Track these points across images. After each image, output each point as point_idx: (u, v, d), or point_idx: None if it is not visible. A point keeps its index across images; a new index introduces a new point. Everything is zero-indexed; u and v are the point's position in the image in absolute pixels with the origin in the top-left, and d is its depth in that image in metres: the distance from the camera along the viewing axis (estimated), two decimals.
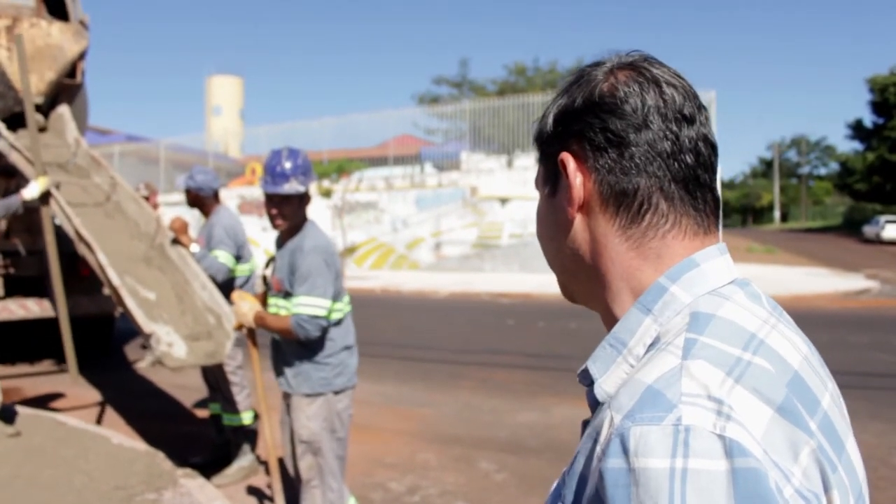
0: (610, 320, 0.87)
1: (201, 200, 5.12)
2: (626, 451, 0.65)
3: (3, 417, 5.55)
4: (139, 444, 5.26)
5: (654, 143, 0.82)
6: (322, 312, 3.38)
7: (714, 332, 0.74)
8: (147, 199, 7.97)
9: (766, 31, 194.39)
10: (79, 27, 7.14)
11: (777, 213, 69.93)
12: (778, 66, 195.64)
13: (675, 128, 0.83)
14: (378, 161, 26.39)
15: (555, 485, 0.86)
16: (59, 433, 5.46)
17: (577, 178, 0.86)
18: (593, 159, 0.85)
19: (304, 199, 3.53)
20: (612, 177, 0.83)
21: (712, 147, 0.86)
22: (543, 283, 17.01)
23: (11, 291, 7.64)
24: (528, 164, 21.99)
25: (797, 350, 0.78)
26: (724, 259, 0.84)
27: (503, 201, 21.16)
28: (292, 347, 3.50)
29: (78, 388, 7.17)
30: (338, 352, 3.54)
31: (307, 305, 3.36)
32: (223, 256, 4.94)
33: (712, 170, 0.86)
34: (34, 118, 5.59)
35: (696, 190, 0.84)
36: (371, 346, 9.11)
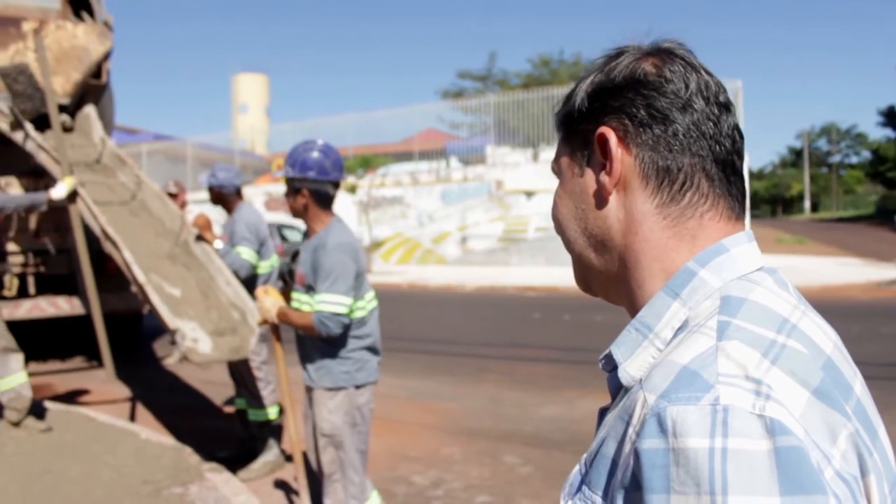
0: (635, 304, 0.86)
1: (224, 197, 5.16)
2: (663, 430, 0.65)
3: (34, 413, 5.64)
4: (166, 440, 5.32)
5: (699, 123, 0.83)
6: (344, 310, 3.39)
7: (747, 315, 0.73)
8: (176, 196, 8.05)
9: (794, 18, 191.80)
10: (103, 28, 7.23)
11: (807, 203, 68.95)
12: (806, 54, 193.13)
13: (716, 111, 0.84)
14: (403, 156, 26.44)
15: (573, 473, 0.84)
16: (88, 429, 5.55)
17: (618, 151, 0.84)
18: (635, 134, 0.84)
19: (299, 190, 3.51)
20: (655, 153, 0.83)
21: (742, 138, 0.88)
22: (570, 276, 16.88)
23: (42, 289, 7.77)
24: (549, 156, 21.94)
25: (828, 337, 0.78)
26: (753, 245, 0.84)
27: (529, 195, 21.11)
28: (314, 342, 3.52)
29: (107, 385, 7.27)
30: (360, 348, 3.55)
31: (329, 303, 3.37)
32: (246, 252, 4.98)
33: (743, 159, 0.87)
34: (58, 119, 5.67)
35: (732, 175, 0.84)
36: (397, 341, 9.15)
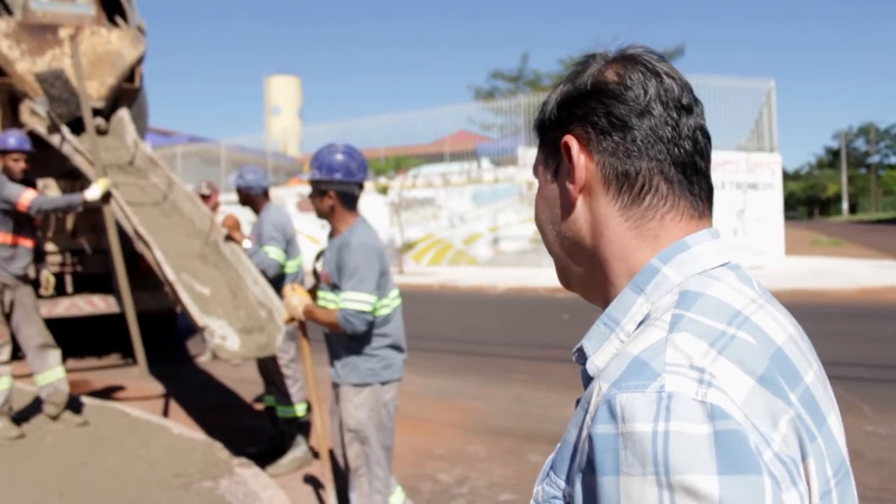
0: (606, 301, 0.90)
1: (251, 199, 5.26)
2: (613, 416, 0.69)
3: (71, 408, 5.80)
4: (198, 435, 5.44)
5: (656, 128, 0.86)
6: (368, 308, 3.45)
7: (701, 309, 0.77)
8: (208, 198, 8.19)
9: (830, 17, 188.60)
10: (136, 33, 7.39)
11: (845, 205, 67.73)
12: (842, 54, 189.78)
13: (675, 115, 0.87)
14: (434, 157, 26.47)
15: (549, 458, 0.89)
16: (123, 423, 5.69)
17: (580, 159, 0.89)
18: (596, 142, 0.88)
19: (325, 192, 3.59)
20: (615, 159, 0.87)
21: (707, 138, 0.91)
22: None
23: (79, 288, 7.96)
24: None
25: (783, 329, 0.82)
26: (716, 243, 0.88)
27: None
28: (341, 340, 3.58)
29: (142, 381, 7.43)
30: (385, 346, 3.61)
31: (354, 301, 3.44)
32: (273, 252, 5.07)
33: (707, 159, 0.90)
34: (92, 122, 5.83)
35: (693, 175, 0.88)
36: (426, 341, 9.21)
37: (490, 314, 13.08)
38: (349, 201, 3.64)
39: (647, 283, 0.84)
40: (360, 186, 3.68)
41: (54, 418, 5.62)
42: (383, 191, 22.09)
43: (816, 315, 11.12)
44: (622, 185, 0.87)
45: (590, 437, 0.71)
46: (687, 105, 0.88)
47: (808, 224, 50.10)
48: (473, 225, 22.96)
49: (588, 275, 0.93)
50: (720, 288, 0.81)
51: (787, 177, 68.43)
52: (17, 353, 5.65)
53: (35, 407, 5.93)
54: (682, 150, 0.87)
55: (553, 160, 0.94)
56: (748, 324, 0.77)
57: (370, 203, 23.62)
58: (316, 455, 5.20)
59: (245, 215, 7.03)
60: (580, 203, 0.90)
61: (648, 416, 0.67)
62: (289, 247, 5.23)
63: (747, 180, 19.20)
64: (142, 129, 8.80)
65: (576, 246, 0.93)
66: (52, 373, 5.63)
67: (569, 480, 0.77)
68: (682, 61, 38.20)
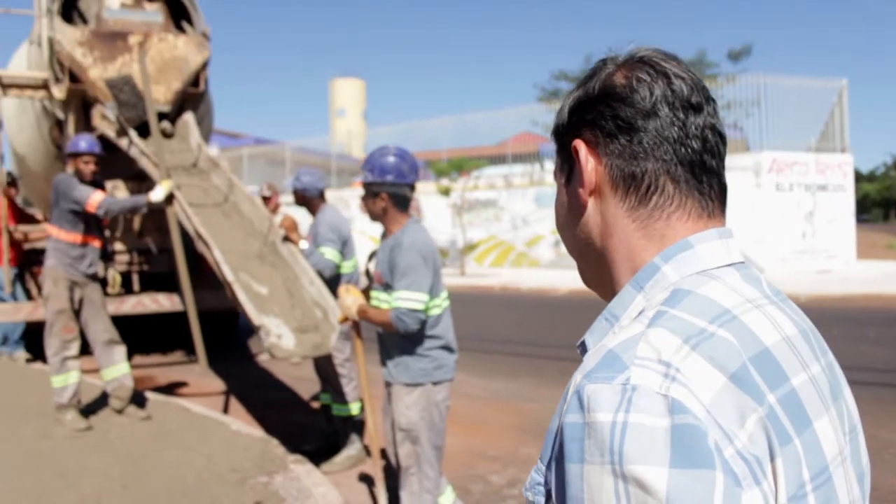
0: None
1: (308, 200, 5.36)
2: (582, 406, 0.72)
3: (136, 402, 6.00)
4: (255, 431, 5.56)
5: (662, 129, 0.87)
6: (420, 306, 3.48)
7: (686, 306, 0.79)
8: (269, 199, 8.36)
9: None
10: (202, 39, 7.59)
11: None
12: None
13: (682, 115, 0.87)
14: (497, 159, 26.42)
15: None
16: (184, 418, 5.85)
17: (588, 162, 0.91)
18: (604, 145, 0.90)
19: (377, 194, 3.63)
20: (622, 161, 0.88)
21: (720, 136, 0.90)
22: None
23: (145, 287, 8.22)
24: None
25: (778, 330, 0.82)
26: (724, 242, 0.88)
27: None
28: (394, 339, 3.63)
29: (204, 378, 7.62)
30: (436, 346, 3.64)
31: (406, 300, 3.47)
32: (329, 253, 5.15)
33: (720, 157, 0.90)
34: (157, 126, 6.01)
35: (703, 174, 0.88)
36: (485, 343, 9.23)
37: (551, 316, 13.01)
38: (401, 203, 3.68)
39: (647, 280, 0.86)
40: (412, 188, 3.71)
41: (119, 412, 5.81)
42: (446, 192, 22.15)
43: (887, 321, 10.75)
44: (629, 186, 0.88)
45: (561, 426, 0.74)
46: (696, 104, 0.88)
47: (884, 227, 48.34)
48: (536, 227, 22.85)
49: (600, 274, 0.95)
50: (714, 287, 0.82)
51: (861, 178, 66.12)
52: (85, 349, 5.85)
53: (102, 401, 6.15)
54: (689, 150, 0.87)
55: (566, 165, 0.96)
56: (734, 323, 0.78)
57: (432, 204, 23.73)
58: (370, 453, 5.26)
59: (304, 216, 7.16)
60: (591, 205, 0.92)
61: (611, 407, 0.69)
62: (344, 248, 5.30)
63: (817, 182, 18.66)
64: (206, 131, 9.03)
65: (588, 247, 0.95)
66: (117, 368, 5.83)
67: (549, 467, 0.79)
68: (749, 61, 37.20)
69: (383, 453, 4.31)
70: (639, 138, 0.87)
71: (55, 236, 5.66)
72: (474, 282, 18.12)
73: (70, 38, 7.07)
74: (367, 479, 4.87)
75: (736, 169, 17.68)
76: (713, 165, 0.89)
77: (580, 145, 0.91)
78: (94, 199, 5.54)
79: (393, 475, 4.03)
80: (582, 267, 1.00)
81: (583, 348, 0.90)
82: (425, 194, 23.69)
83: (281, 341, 4.52)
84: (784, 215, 18.09)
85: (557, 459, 0.75)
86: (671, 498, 0.65)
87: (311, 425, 5.99)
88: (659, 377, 0.70)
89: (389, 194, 3.62)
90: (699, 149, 0.88)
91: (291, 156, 29.74)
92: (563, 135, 0.96)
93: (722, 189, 0.91)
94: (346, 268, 5.32)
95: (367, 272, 3.96)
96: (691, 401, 0.69)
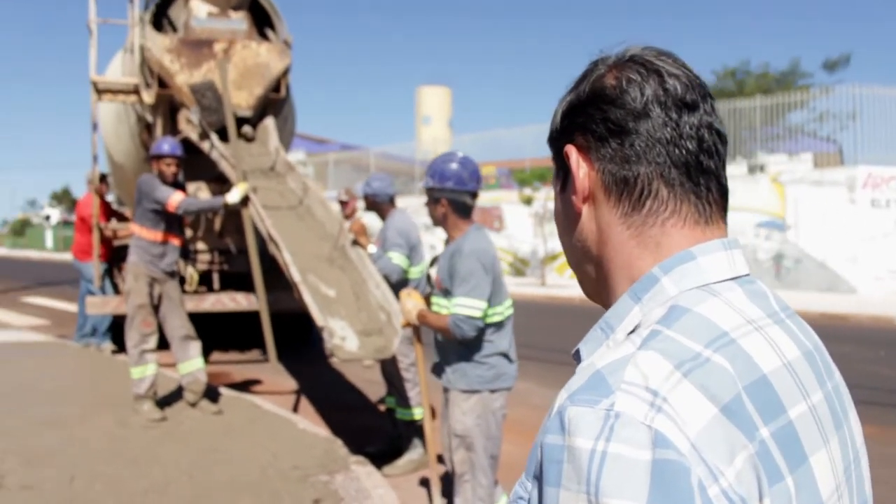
0: None
1: (378, 205, 5.43)
2: (563, 428, 0.68)
3: (209, 397, 6.20)
4: (321, 431, 5.67)
5: (654, 130, 0.83)
6: (478, 314, 3.49)
7: (682, 327, 0.74)
8: (346, 204, 8.52)
9: None
10: (283, 47, 7.81)
11: None
12: None
13: (674, 115, 0.83)
14: None
15: None
16: (253, 415, 6.02)
17: (580, 169, 0.87)
18: (595, 150, 0.86)
19: (438, 199, 3.65)
20: (614, 165, 0.85)
21: (718, 134, 0.86)
22: None
23: (225, 286, 8.48)
24: (735, 172, 20.97)
25: (779, 355, 0.78)
26: (728, 254, 0.84)
27: None
28: (452, 345, 3.65)
29: (278, 377, 7.82)
30: (495, 353, 3.63)
31: (464, 306, 3.49)
32: (397, 257, 5.21)
33: (718, 157, 0.86)
34: (235, 130, 6.22)
35: (699, 176, 0.84)
36: (556, 353, 9.15)
37: None
38: (461, 209, 3.69)
39: (645, 292, 0.82)
40: (473, 195, 3.72)
41: (193, 405, 6.02)
42: (528, 202, 22.05)
43: None
44: (622, 191, 0.85)
45: (541, 445, 0.71)
46: (691, 102, 0.84)
47: None
48: None
49: (598, 284, 0.91)
50: (713, 305, 0.78)
51: None
52: (163, 343, 6.08)
53: (177, 394, 6.38)
54: (683, 151, 0.83)
55: (561, 171, 0.93)
56: (731, 347, 0.74)
57: (515, 213, 23.68)
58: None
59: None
60: (585, 212, 0.89)
61: (592, 434, 0.66)
62: (412, 253, 5.35)
63: None
64: (288, 136, 9.27)
65: (586, 256, 0.91)
66: (192, 363, 6.04)
67: (532, 484, 0.77)
68: (846, 72, 35.83)
69: (441, 459, 4.33)
70: (630, 141, 0.83)
71: (137, 234, 5.91)
72: (554, 292, 17.98)
73: (160, 45, 7.39)
74: (426, 484, 4.89)
75: (828, 184, 17.07)
76: (710, 166, 0.85)
77: (571, 150, 0.88)
78: (174, 200, 5.77)
79: (450, 482, 4.05)
80: (581, 278, 0.96)
81: (577, 356, 0.87)
82: (508, 203, 23.67)
83: (344, 343, 4.60)
84: (879, 233, 17.33)
85: (537, 478, 0.72)
86: None
87: (377, 428, 6.06)
88: (645, 406, 0.66)
89: (449, 200, 3.64)
90: (694, 149, 0.83)
91: (375, 162, 30.15)
92: (557, 140, 0.92)
93: (721, 192, 0.86)
94: (414, 273, 5.38)
95: (429, 277, 4.00)
96: (676, 434, 0.65)
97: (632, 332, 0.79)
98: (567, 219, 0.93)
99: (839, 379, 0.88)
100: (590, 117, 0.87)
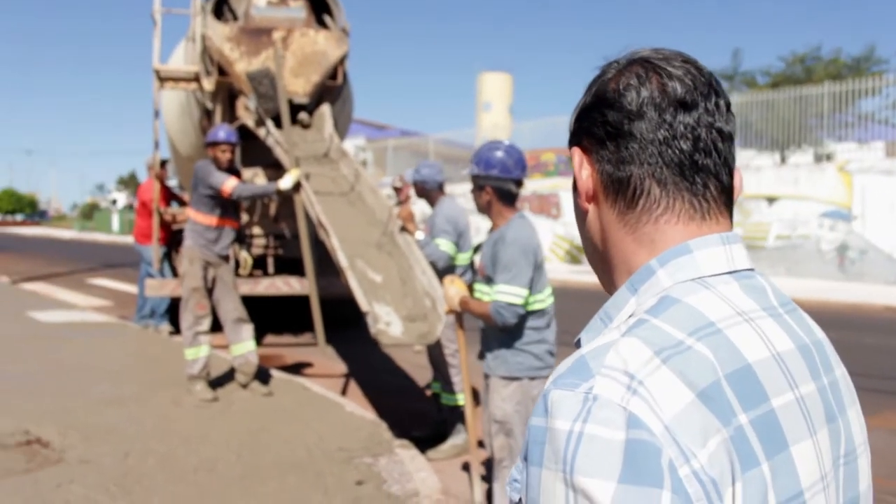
0: None
1: (427, 192, 5.47)
2: (546, 411, 0.72)
3: (260, 378, 6.35)
4: (368, 414, 5.76)
5: (647, 132, 0.85)
6: (519, 301, 3.51)
7: (669, 316, 0.77)
8: (400, 190, 8.58)
9: None
10: (341, 34, 7.90)
11: None
12: None
13: (669, 117, 0.85)
14: None
15: None
16: (302, 397, 6.15)
17: (583, 170, 0.92)
18: (596, 152, 0.90)
19: (483, 187, 3.67)
20: (610, 166, 0.88)
21: (719, 132, 0.87)
22: (811, 288, 15.77)
23: (279, 270, 8.64)
24: (801, 160, 20.41)
25: (768, 346, 0.80)
26: (726, 248, 0.85)
27: (770, 200, 19.86)
28: (493, 332, 3.68)
29: (327, 360, 7.95)
30: (535, 341, 3.66)
31: (506, 293, 3.51)
32: (444, 244, 5.24)
33: (717, 154, 0.87)
34: (289, 117, 6.34)
35: (694, 175, 0.86)
36: None
37: None
38: (506, 197, 3.70)
39: (641, 283, 0.85)
40: (518, 183, 3.73)
41: (244, 386, 6.18)
42: None
43: None
44: (617, 191, 0.88)
45: (528, 427, 0.74)
46: (690, 102, 0.85)
47: None
48: None
49: (606, 277, 0.96)
50: (704, 297, 0.80)
51: None
52: (216, 325, 6.24)
53: (229, 375, 6.55)
54: (677, 151, 0.85)
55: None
56: (716, 336, 0.76)
57: (572, 201, 23.53)
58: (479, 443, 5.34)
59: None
60: (591, 211, 0.93)
61: (570, 415, 0.69)
62: (460, 240, 5.38)
63: None
64: (345, 122, 9.37)
65: (594, 251, 0.96)
66: (244, 345, 6.19)
67: (523, 464, 0.80)
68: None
69: (482, 445, 4.37)
70: (625, 143, 0.86)
71: (193, 218, 6.07)
72: None
73: (220, 34, 7.54)
74: (467, 469, 4.93)
75: None
76: (707, 164, 0.86)
77: (575, 153, 0.93)
78: (229, 185, 5.91)
79: (491, 467, 4.08)
80: (595, 270, 1.00)
81: (578, 345, 0.89)
82: (566, 190, 23.53)
83: (389, 328, 4.66)
84: None
85: (525, 459, 0.75)
86: None
87: (423, 412, 6.12)
88: (621, 389, 0.70)
89: (494, 188, 3.65)
90: (689, 149, 0.85)
91: (435, 148, 30.19)
92: (570, 143, 0.97)
93: (721, 189, 0.87)
94: (461, 260, 5.40)
95: (472, 265, 4.02)
96: (649, 416, 0.68)
97: (626, 320, 0.82)
98: (578, 217, 0.98)
99: (841, 375, 0.89)
100: (593, 121, 0.91)
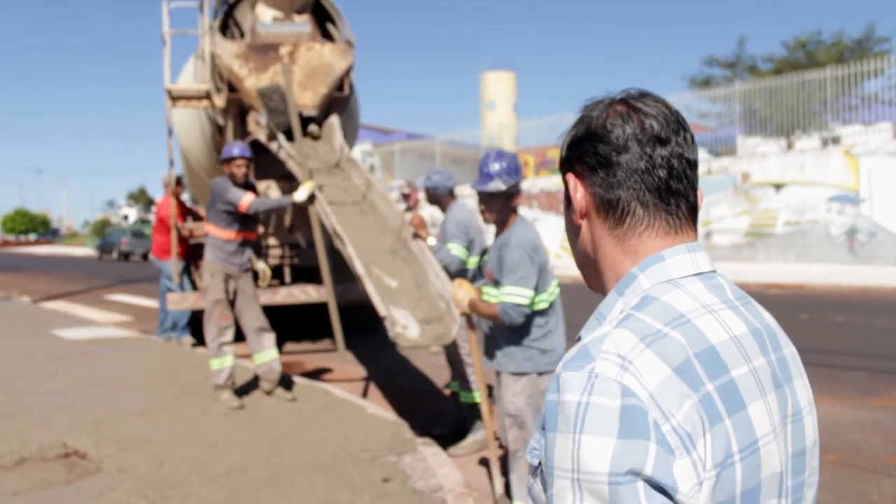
0: None
1: (438, 198, 5.66)
2: (558, 388, 0.91)
3: (283, 385, 6.56)
4: (390, 415, 5.95)
5: (632, 162, 1.05)
6: (525, 301, 3.71)
7: (649, 311, 0.98)
8: (409, 196, 8.77)
9: None
10: (346, 46, 8.09)
11: None
12: None
13: (649, 150, 1.05)
14: None
15: None
16: (325, 401, 6.34)
17: (577, 192, 1.11)
18: (588, 177, 1.10)
19: (509, 196, 3.86)
20: (602, 190, 1.08)
21: (687, 162, 1.08)
22: (821, 273, 15.87)
23: (296, 279, 8.85)
24: (807, 146, 20.45)
25: (727, 330, 1.00)
26: (692, 255, 1.06)
27: (777, 187, 19.92)
28: (502, 330, 3.88)
29: (349, 365, 8.15)
30: (542, 337, 3.86)
31: (512, 294, 3.71)
32: (456, 249, 5.43)
33: (686, 180, 1.08)
34: (300, 131, 6.54)
35: (670, 197, 1.06)
36: None
37: None
38: (511, 202, 3.90)
39: (626, 287, 1.05)
40: (515, 187, 3.91)
41: (268, 393, 6.39)
42: None
43: None
44: (608, 210, 1.08)
45: (545, 402, 0.94)
46: (664, 138, 1.06)
47: None
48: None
49: (595, 280, 1.16)
50: (676, 295, 1.00)
51: None
52: (239, 335, 6.44)
53: (253, 383, 6.76)
54: (656, 178, 1.05)
55: (566, 192, 1.17)
56: (686, 325, 0.96)
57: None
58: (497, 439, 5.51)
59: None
60: (584, 226, 1.12)
61: (578, 390, 0.89)
62: (471, 244, 5.56)
63: None
64: (353, 130, 9.57)
65: (586, 260, 1.15)
66: (267, 353, 6.39)
67: (540, 433, 1.00)
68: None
69: (498, 439, 4.54)
70: (614, 171, 1.06)
71: (212, 234, 6.28)
72: None
73: (229, 51, 7.76)
74: (489, 464, 5.12)
75: None
76: (679, 189, 1.07)
77: (570, 178, 1.12)
78: (245, 201, 6.11)
79: (507, 460, 4.26)
80: (584, 276, 1.20)
81: (579, 340, 1.10)
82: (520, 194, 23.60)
83: (406, 331, 4.86)
84: None
85: (542, 428, 0.94)
86: (615, 459, 0.84)
87: (443, 411, 6.30)
88: (616, 368, 0.89)
89: (506, 195, 3.85)
90: (665, 177, 1.05)
91: (441, 150, 30.34)
92: (562, 168, 1.17)
93: (689, 207, 1.08)
94: (472, 263, 5.58)
95: (480, 269, 4.21)
96: (638, 387, 0.88)
97: (617, 316, 1.03)
98: (570, 230, 1.18)
99: (789, 353, 1.11)
100: (585, 151, 1.10)
